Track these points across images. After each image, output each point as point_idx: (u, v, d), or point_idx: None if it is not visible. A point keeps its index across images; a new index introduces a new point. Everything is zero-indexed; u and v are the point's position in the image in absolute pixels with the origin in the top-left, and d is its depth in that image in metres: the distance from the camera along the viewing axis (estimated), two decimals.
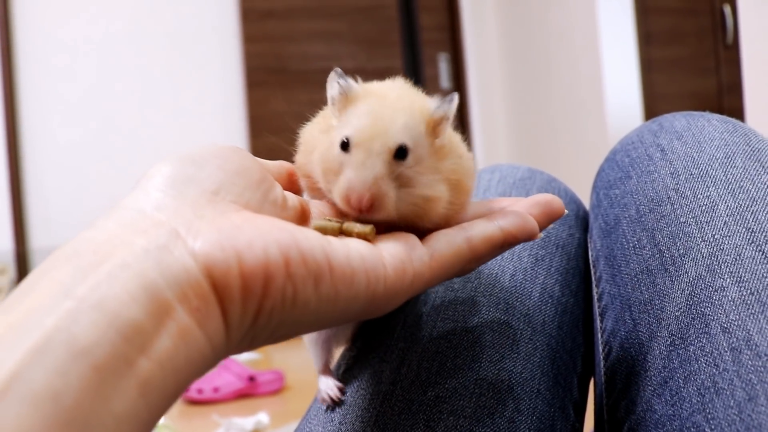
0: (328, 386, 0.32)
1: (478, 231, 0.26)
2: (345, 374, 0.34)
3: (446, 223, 0.28)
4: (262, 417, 1.32)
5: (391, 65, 2.56)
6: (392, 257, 0.24)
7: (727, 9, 1.73)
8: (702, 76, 1.88)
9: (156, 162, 0.24)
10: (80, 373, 0.16)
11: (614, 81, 1.88)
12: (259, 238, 0.21)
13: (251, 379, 1.56)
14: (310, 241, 0.22)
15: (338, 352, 0.35)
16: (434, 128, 0.28)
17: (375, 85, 0.30)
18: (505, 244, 0.27)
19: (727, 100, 1.79)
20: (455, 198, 0.28)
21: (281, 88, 2.55)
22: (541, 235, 0.28)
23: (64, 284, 0.18)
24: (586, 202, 0.46)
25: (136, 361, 0.17)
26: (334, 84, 0.28)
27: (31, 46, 2.41)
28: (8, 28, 2.37)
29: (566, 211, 0.29)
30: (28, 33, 2.41)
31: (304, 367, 1.72)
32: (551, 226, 0.29)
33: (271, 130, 2.49)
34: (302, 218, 0.27)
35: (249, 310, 0.21)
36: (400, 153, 0.26)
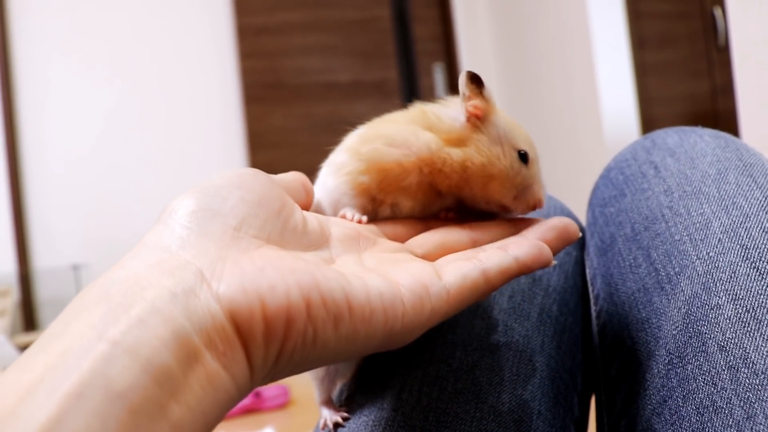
0: (330, 416, 0.33)
1: (494, 263, 0.26)
2: (347, 401, 0.34)
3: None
4: None
5: (386, 77, 2.57)
6: (411, 293, 0.24)
7: (718, 12, 1.74)
8: (695, 79, 1.88)
9: (179, 194, 0.24)
10: (117, 416, 0.16)
11: (609, 86, 1.89)
12: (281, 281, 0.21)
13: (256, 394, 1.56)
14: (329, 282, 0.22)
15: (341, 383, 0.36)
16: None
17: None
18: (519, 274, 0.27)
19: (722, 101, 1.79)
20: None
21: (279, 103, 2.56)
22: (555, 262, 0.28)
23: (96, 327, 0.18)
24: (584, 198, 0.46)
25: (167, 406, 0.18)
26: (483, 89, 0.31)
27: (30, 65, 2.42)
28: (6, 50, 2.38)
29: (580, 234, 0.29)
30: (27, 55, 2.42)
31: (309, 381, 1.71)
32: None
33: (270, 145, 2.51)
34: (322, 240, 0.27)
35: (271, 351, 0.21)
36: None
